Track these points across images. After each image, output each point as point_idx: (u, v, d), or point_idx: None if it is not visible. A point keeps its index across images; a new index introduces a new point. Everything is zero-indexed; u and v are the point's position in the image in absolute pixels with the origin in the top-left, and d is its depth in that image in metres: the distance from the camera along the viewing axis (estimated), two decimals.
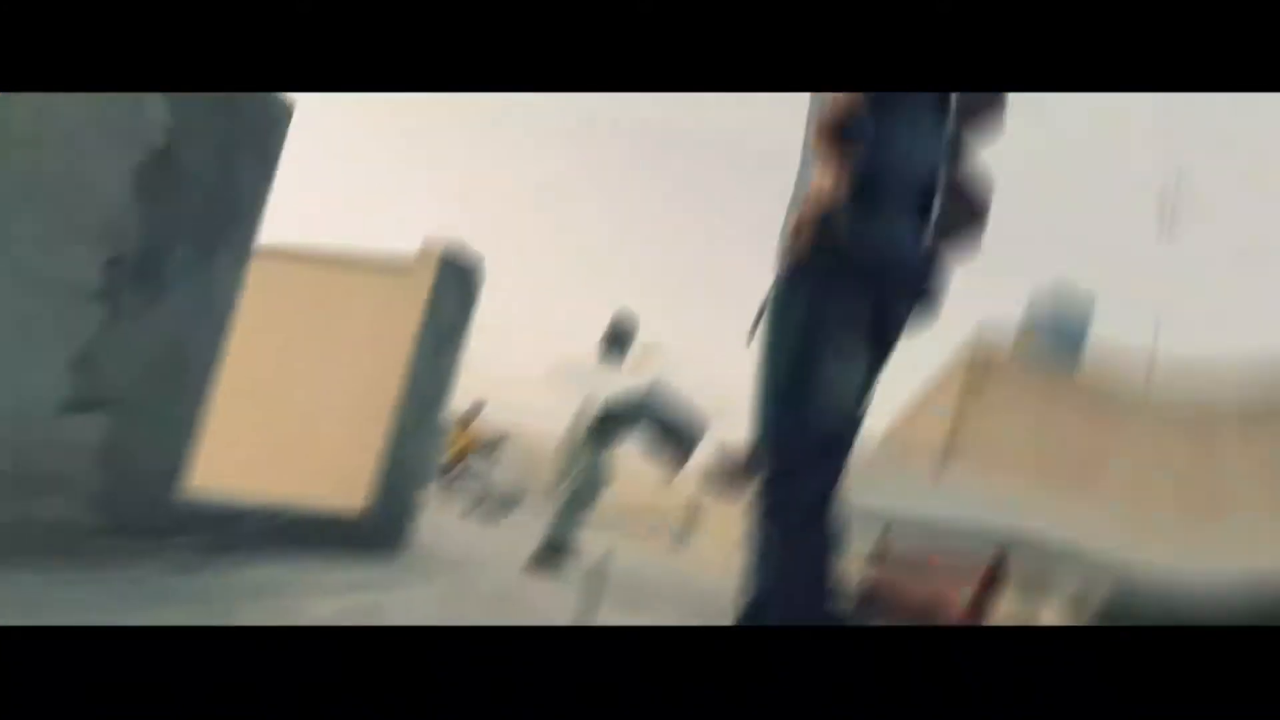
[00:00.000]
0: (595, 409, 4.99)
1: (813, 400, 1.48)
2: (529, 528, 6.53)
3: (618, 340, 5.49)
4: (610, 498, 6.14)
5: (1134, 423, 9.07)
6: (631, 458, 5.99)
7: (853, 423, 1.58)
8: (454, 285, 3.85)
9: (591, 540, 5.71)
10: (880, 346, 1.65)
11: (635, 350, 5.50)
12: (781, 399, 1.51)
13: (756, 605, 1.50)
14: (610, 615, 2.38)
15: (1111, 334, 11.91)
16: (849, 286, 1.49)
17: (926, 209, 1.63)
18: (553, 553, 4.92)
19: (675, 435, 4.79)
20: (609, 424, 4.94)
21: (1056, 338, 11.26)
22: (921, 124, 1.60)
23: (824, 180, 1.39)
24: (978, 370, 11.18)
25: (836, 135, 1.39)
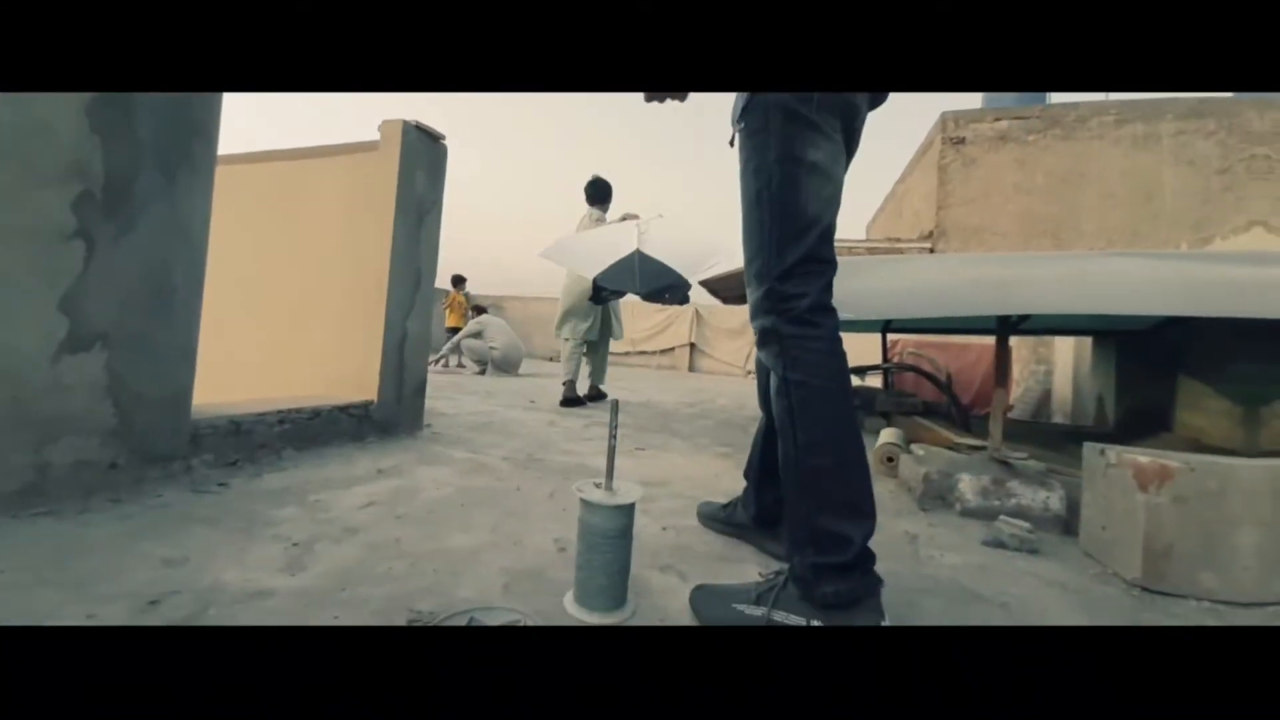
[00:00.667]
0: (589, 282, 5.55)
1: (798, 194, 1.51)
2: (534, 392, 7.21)
3: (600, 195, 6.59)
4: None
5: None
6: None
7: (835, 220, 1.60)
8: (422, 155, 3.83)
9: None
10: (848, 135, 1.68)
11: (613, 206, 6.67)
12: (773, 200, 1.53)
13: (779, 395, 1.54)
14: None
15: None
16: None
17: None
18: (591, 398, 6.46)
19: (665, 290, 5.06)
20: (605, 292, 5.56)
21: None
22: None
23: None
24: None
25: None
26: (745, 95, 1.62)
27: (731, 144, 1.72)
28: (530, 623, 1.42)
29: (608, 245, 5.30)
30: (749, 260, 1.62)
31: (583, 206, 6.63)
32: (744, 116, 1.61)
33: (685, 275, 5.02)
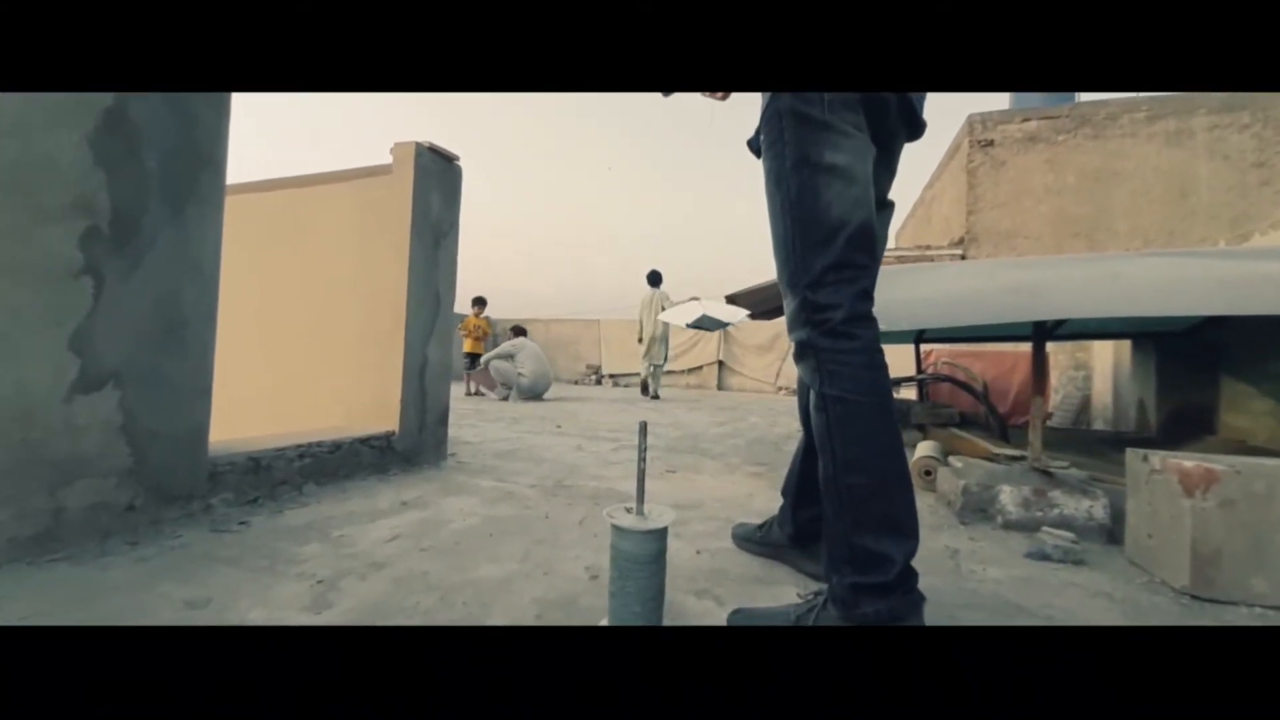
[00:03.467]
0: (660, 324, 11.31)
1: (818, 199, 1.49)
2: (560, 417, 6.80)
3: (656, 281, 11.55)
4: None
5: None
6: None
7: (871, 213, 1.56)
8: (436, 177, 3.82)
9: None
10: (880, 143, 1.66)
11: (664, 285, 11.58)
12: (794, 209, 1.51)
13: (818, 410, 1.52)
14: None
15: None
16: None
17: None
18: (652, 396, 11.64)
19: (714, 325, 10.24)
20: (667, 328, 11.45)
21: None
22: None
23: None
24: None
25: None
26: (764, 106, 1.61)
27: (754, 152, 1.72)
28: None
29: (692, 310, 9.75)
30: (780, 271, 1.60)
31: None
32: (763, 124, 1.61)
33: (723, 319, 9.64)
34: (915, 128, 1.70)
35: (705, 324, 10.24)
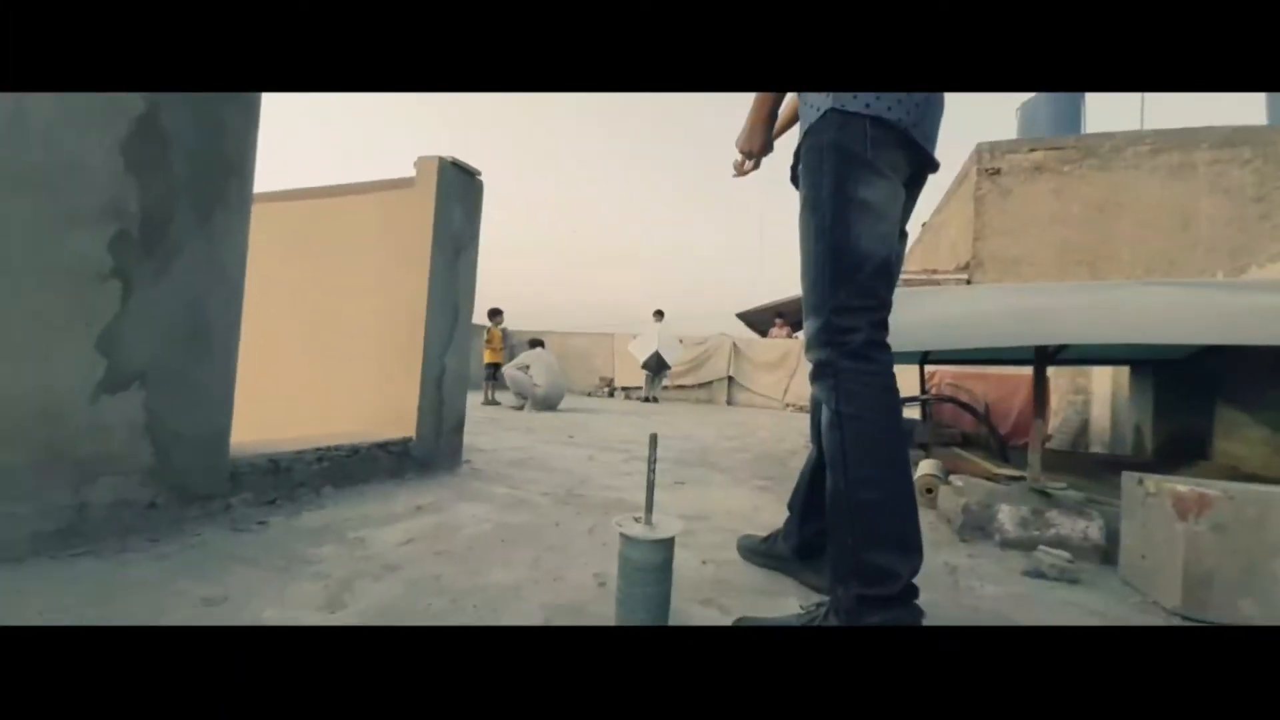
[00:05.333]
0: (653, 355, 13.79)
1: (849, 230, 1.55)
2: (573, 428, 7.45)
3: (660, 314, 14.34)
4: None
5: None
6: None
7: (893, 250, 1.63)
8: (458, 191, 3.87)
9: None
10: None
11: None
12: (826, 236, 1.58)
13: (832, 428, 1.57)
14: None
15: None
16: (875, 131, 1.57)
17: None
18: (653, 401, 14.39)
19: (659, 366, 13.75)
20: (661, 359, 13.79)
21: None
22: None
23: None
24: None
25: None
26: (804, 135, 1.69)
27: (794, 184, 1.78)
28: None
29: (647, 346, 13.48)
30: (806, 293, 1.66)
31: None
32: (803, 155, 1.68)
33: (668, 360, 13.89)
34: (933, 168, 1.77)
35: (651, 365, 14.06)
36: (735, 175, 2.17)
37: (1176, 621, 1.94)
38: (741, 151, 2.06)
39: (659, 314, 14.52)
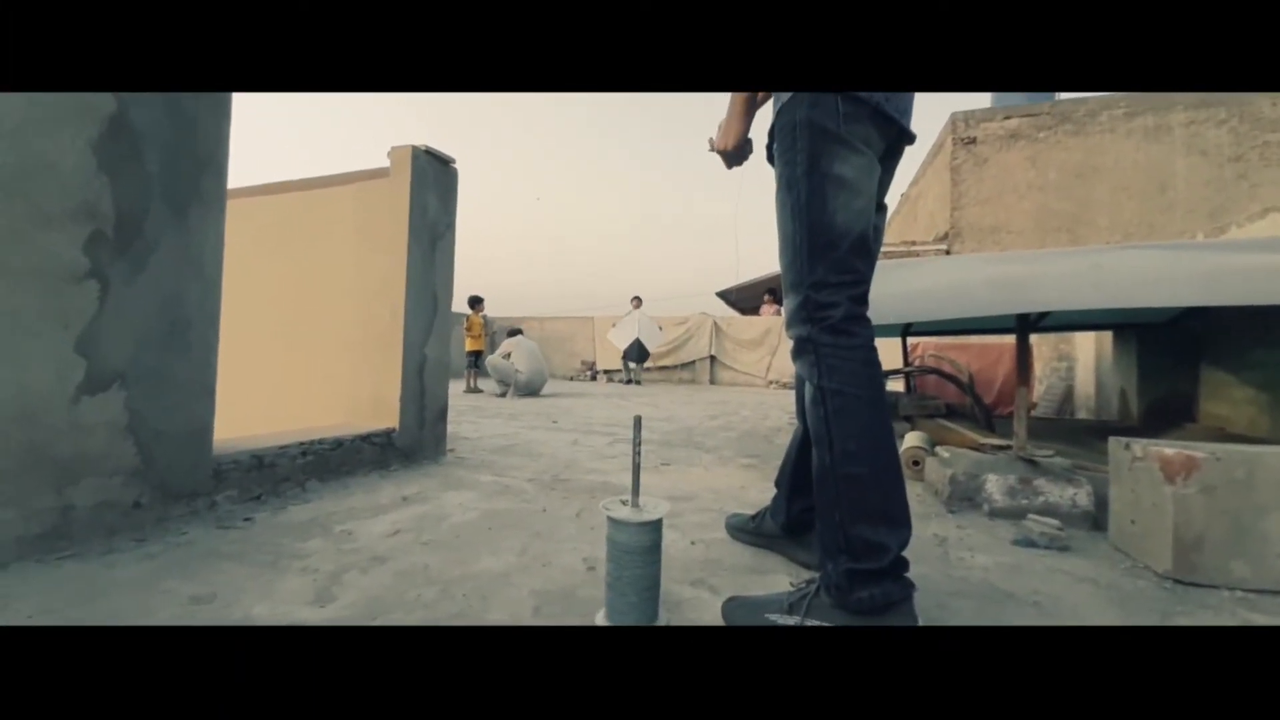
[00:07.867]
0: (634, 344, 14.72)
1: (825, 206, 1.54)
2: (556, 413, 7.31)
3: (638, 300, 15.51)
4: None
5: None
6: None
7: (870, 224, 1.62)
8: (433, 179, 3.86)
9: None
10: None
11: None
12: (803, 213, 1.56)
13: (815, 403, 1.56)
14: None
15: None
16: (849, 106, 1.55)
17: None
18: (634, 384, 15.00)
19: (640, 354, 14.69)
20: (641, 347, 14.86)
21: None
22: None
23: None
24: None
25: None
26: (777, 113, 1.66)
27: (770, 162, 1.75)
28: None
29: (627, 333, 14.16)
30: (784, 270, 1.64)
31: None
32: (776, 133, 1.66)
33: (648, 346, 15.06)
34: (909, 140, 1.75)
35: (631, 354, 14.77)
36: (709, 150, 2.13)
37: (1168, 586, 1.94)
38: (718, 151, 2.03)
39: (637, 300, 15.13)
